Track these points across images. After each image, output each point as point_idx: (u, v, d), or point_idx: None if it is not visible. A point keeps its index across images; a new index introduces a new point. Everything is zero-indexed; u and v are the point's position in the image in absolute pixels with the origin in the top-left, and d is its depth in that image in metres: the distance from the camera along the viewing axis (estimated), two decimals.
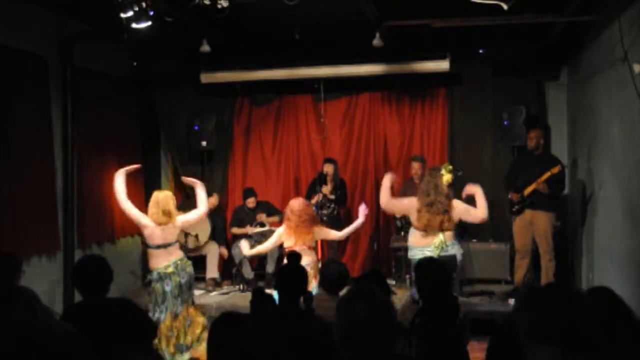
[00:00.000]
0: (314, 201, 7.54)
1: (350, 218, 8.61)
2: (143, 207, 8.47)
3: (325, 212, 7.71)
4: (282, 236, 5.77)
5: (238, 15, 5.90)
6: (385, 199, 5.87)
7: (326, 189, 7.83)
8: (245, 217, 8.15)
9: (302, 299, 3.63)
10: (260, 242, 7.78)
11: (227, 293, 7.79)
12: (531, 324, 2.30)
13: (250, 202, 8.17)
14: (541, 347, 2.24)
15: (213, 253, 7.98)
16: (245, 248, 6.31)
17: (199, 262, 7.81)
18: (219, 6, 5.17)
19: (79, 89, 7.04)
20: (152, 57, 8.12)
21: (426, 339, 3.30)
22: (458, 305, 3.62)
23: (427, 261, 4.16)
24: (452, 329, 3.42)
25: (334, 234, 5.97)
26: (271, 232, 7.71)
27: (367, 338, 2.21)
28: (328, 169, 7.90)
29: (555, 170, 6.66)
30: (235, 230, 8.20)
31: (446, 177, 5.63)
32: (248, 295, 6.67)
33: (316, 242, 5.95)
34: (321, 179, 7.92)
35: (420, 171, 7.76)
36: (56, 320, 3.04)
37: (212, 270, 7.94)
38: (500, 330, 2.74)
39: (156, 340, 5.19)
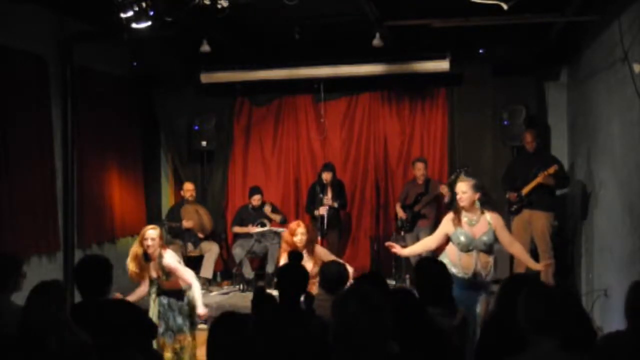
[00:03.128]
0: (321, 213, 7.58)
1: (349, 220, 8.64)
2: (143, 207, 8.54)
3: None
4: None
5: (238, 15, 5.90)
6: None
7: (328, 200, 7.79)
8: (248, 217, 8.15)
9: (302, 298, 3.63)
10: (260, 242, 7.81)
11: (227, 293, 7.79)
12: (534, 316, 2.34)
13: (256, 199, 8.14)
14: (544, 339, 2.28)
15: (211, 253, 7.98)
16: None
17: (197, 262, 7.84)
18: (219, 6, 5.16)
19: (79, 89, 7.05)
20: (152, 57, 8.13)
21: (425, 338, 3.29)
22: (456, 306, 3.62)
23: (427, 261, 4.17)
24: (451, 328, 3.42)
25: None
26: (272, 232, 7.75)
27: (360, 336, 2.23)
28: (327, 176, 7.87)
29: (552, 170, 6.67)
30: (237, 229, 8.20)
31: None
32: (248, 295, 6.72)
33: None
34: (322, 188, 7.87)
35: (423, 172, 7.78)
36: (71, 326, 3.04)
37: (206, 270, 7.92)
38: (486, 327, 2.76)
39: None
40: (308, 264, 5.37)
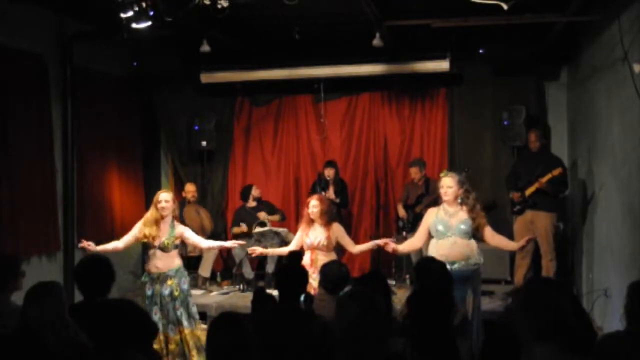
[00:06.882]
0: None
1: (350, 218, 8.63)
2: (143, 207, 8.52)
3: None
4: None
5: (238, 15, 5.90)
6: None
7: (330, 193, 7.81)
8: (246, 217, 8.15)
9: (302, 298, 3.64)
10: (260, 242, 7.80)
11: (227, 293, 7.79)
12: (529, 322, 2.32)
13: (255, 190, 8.16)
14: (539, 344, 2.26)
15: (210, 253, 7.95)
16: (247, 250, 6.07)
17: (196, 262, 7.85)
18: (219, 6, 5.17)
19: (79, 89, 7.05)
20: (152, 57, 8.12)
21: (423, 337, 3.29)
22: (455, 306, 3.61)
23: (427, 261, 4.17)
24: (450, 329, 3.41)
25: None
26: (271, 232, 7.74)
27: (361, 338, 2.23)
28: (329, 172, 7.88)
29: (556, 172, 6.65)
30: (235, 229, 8.20)
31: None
32: (248, 295, 6.70)
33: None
34: (322, 183, 7.89)
35: (418, 175, 7.79)
36: (70, 327, 3.03)
37: (205, 270, 7.92)
38: (495, 329, 2.75)
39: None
40: (321, 236, 5.41)
